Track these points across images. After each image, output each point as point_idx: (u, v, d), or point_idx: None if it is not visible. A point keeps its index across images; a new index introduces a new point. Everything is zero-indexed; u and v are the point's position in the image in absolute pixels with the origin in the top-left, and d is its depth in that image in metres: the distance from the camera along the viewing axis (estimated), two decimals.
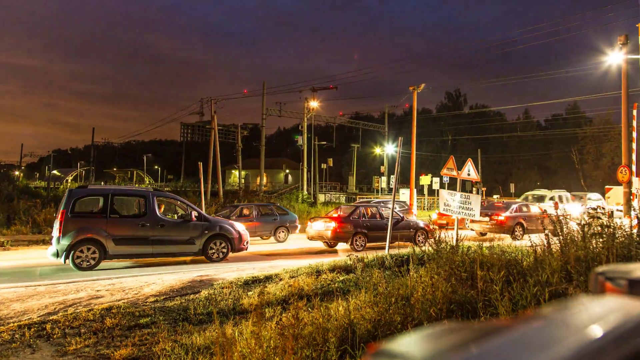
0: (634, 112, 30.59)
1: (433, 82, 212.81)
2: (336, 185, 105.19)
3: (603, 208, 12.44)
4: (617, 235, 10.58)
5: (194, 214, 20.89)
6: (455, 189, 20.30)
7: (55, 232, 18.63)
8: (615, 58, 30.70)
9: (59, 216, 18.63)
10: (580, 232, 10.87)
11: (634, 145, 31.25)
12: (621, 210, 30.08)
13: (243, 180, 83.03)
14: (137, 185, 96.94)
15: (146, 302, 12.75)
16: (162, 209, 22.11)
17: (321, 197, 73.43)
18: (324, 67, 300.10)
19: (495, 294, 8.76)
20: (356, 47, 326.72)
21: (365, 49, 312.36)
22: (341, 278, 13.79)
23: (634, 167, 30.15)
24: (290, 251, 26.49)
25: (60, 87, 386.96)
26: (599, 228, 10.82)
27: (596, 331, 1.15)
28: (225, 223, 21.93)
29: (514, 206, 31.67)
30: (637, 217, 16.35)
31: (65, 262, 18.47)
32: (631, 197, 28.67)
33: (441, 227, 29.29)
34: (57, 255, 18.38)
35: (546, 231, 11.93)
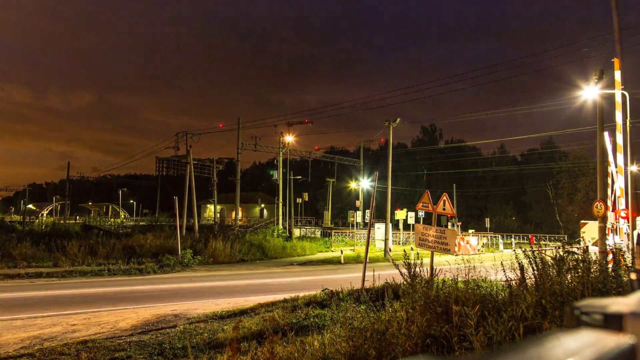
0: (609, 147, 30.82)
1: (409, 117, 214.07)
2: (311, 219, 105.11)
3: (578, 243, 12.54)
4: (592, 270, 10.61)
5: None
6: (430, 224, 20.34)
7: None
8: (590, 93, 30.86)
9: None
10: (556, 267, 10.89)
11: (609, 180, 31.46)
12: (596, 245, 30.21)
13: (219, 215, 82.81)
14: (112, 219, 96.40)
15: (122, 336, 12.66)
16: None
17: (296, 232, 73.27)
18: (300, 101, 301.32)
19: (470, 328, 8.73)
20: (333, 83, 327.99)
21: (341, 84, 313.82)
22: (316, 312, 13.73)
23: (609, 202, 30.32)
24: None
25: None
26: (574, 263, 10.84)
27: None
28: None
29: None
30: (612, 252, 16.50)
31: None
32: (606, 232, 28.79)
33: None
34: None
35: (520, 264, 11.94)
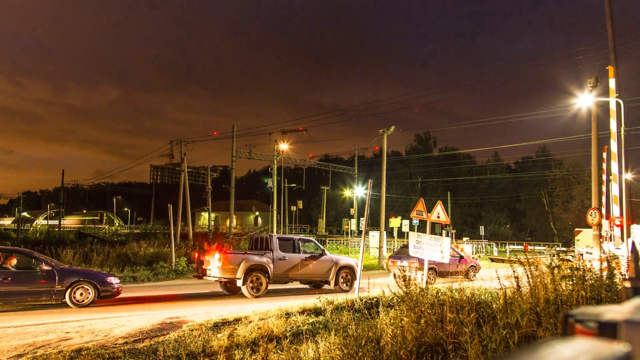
0: (604, 155, 30.87)
1: (403, 125, 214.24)
2: (306, 227, 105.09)
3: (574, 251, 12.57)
4: (586, 278, 10.62)
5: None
6: (425, 232, 20.37)
7: None
8: (585, 100, 30.81)
9: None
10: (550, 275, 10.90)
11: (604, 188, 31.51)
12: (590, 253, 30.21)
13: (213, 223, 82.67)
14: (106, 227, 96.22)
15: (116, 344, 12.62)
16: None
17: None
18: (294, 109, 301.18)
19: (465, 336, 8.73)
20: (328, 91, 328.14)
21: (336, 92, 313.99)
22: (311, 320, 13.72)
23: (603, 210, 30.38)
24: None
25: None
26: (569, 271, 10.85)
27: None
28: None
29: None
30: (607, 260, 16.53)
31: None
32: (601, 240, 28.82)
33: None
34: None
35: (515, 273, 11.94)
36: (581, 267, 10.90)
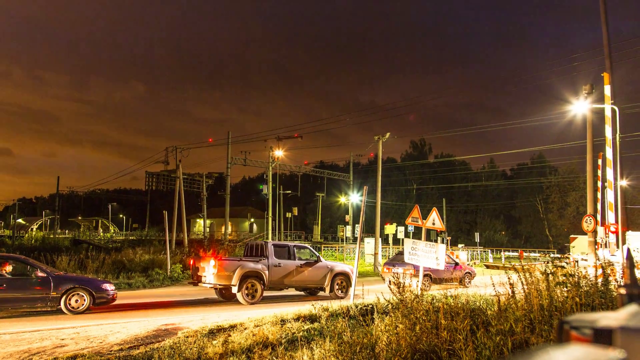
0: (599, 162, 30.87)
1: (398, 131, 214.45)
2: (301, 234, 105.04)
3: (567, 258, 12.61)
4: (581, 284, 10.62)
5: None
6: (420, 238, 20.37)
7: None
8: (580, 107, 30.76)
9: None
10: (545, 282, 10.90)
11: (599, 195, 31.50)
12: (586, 260, 30.21)
13: (208, 229, 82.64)
14: (101, 234, 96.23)
15: (111, 351, 12.60)
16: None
17: None
18: (289, 116, 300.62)
19: (459, 343, 8.72)
20: (323, 98, 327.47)
21: (331, 99, 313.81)
22: (306, 327, 13.70)
23: (599, 217, 30.37)
24: None
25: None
26: (564, 277, 10.85)
27: None
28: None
29: None
30: (601, 267, 16.54)
31: None
32: (596, 247, 28.81)
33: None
34: None
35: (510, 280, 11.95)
36: (576, 273, 10.91)
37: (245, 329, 14.41)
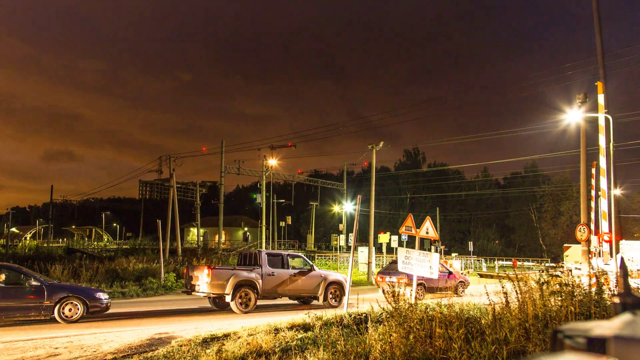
0: (593, 171, 30.92)
1: (392, 140, 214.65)
2: (295, 243, 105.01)
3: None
4: (575, 293, 10.64)
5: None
6: (414, 247, 20.37)
7: None
8: (574, 116, 30.76)
9: None
10: (539, 291, 10.91)
11: (593, 204, 31.54)
12: (579, 269, 30.22)
13: (202, 238, 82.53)
14: (95, 243, 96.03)
15: None
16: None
17: None
18: (283, 125, 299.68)
19: (453, 352, 8.73)
20: (318, 106, 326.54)
21: (326, 108, 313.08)
22: (299, 336, 13.68)
23: (592, 226, 30.41)
24: None
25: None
26: (558, 286, 10.87)
27: None
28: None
29: None
30: (595, 276, 16.53)
31: None
32: (590, 256, 28.82)
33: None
34: None
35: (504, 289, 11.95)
36: (570, 282, 10.93)
37: (238, 338, 14.39)
